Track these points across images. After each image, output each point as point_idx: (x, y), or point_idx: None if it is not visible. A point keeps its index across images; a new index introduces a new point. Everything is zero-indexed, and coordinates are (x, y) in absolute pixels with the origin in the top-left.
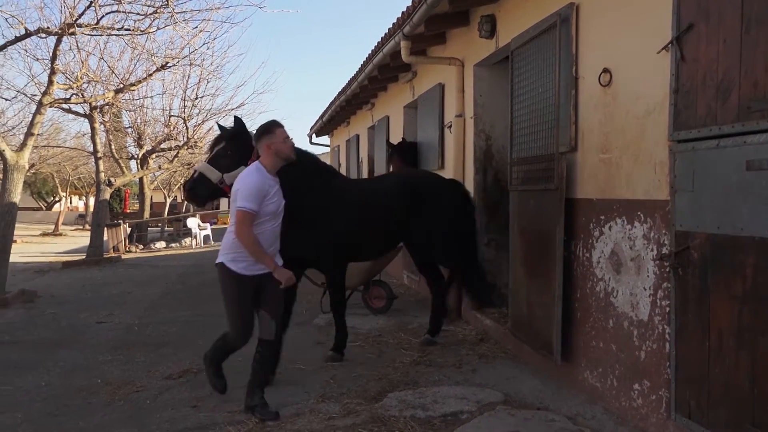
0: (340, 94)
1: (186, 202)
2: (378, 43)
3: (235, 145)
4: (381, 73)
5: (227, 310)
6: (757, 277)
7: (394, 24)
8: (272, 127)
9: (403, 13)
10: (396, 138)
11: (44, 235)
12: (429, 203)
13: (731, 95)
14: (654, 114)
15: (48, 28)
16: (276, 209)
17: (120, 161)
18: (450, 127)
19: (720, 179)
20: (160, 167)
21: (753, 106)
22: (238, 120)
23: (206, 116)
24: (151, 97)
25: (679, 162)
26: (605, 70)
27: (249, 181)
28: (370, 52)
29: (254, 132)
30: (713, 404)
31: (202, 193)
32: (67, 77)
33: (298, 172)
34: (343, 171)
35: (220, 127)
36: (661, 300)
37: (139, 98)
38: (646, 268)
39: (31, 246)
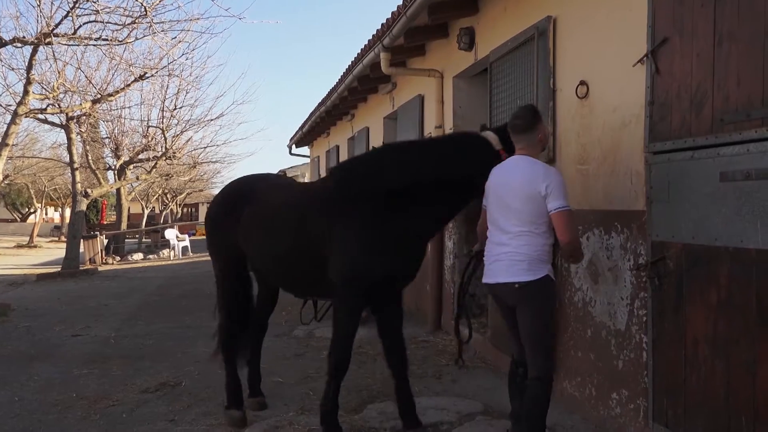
0: (320, 105)
1: (164, 213)
2: (358, 54)
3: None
4: (361, 84)
5: (545, 329)
6: (731, 286)
7: (374, 36)
8: (540, 114)
9: (382, 25)
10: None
11: (19, 246)
12: None
13: (704, 108)
14: (630, 126)
15: (24, 37)
16: None
17: (97, 172)
18: None
19: (695, 190)
20: (138, 178)
21: (726, 119)
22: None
23: (185, 127)
24: (129, 107)
25: (655, 173)
26: (582, 83)
27: (559, 176)
28: (350, 63)
29: (516, 116)
30: (690, 412)
31: None
32: (43, 87)
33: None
34: None
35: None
36: (638, 309)
37: (117, 108)
38: (623, 278)
39: (5, 258)
